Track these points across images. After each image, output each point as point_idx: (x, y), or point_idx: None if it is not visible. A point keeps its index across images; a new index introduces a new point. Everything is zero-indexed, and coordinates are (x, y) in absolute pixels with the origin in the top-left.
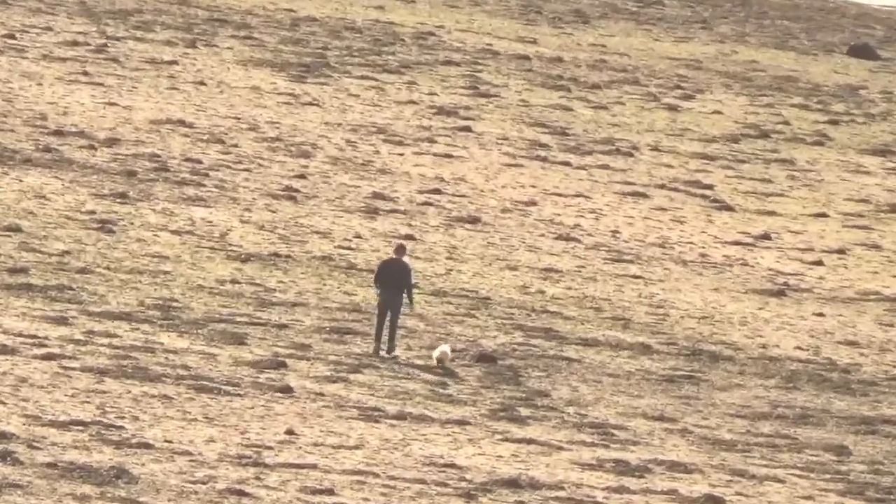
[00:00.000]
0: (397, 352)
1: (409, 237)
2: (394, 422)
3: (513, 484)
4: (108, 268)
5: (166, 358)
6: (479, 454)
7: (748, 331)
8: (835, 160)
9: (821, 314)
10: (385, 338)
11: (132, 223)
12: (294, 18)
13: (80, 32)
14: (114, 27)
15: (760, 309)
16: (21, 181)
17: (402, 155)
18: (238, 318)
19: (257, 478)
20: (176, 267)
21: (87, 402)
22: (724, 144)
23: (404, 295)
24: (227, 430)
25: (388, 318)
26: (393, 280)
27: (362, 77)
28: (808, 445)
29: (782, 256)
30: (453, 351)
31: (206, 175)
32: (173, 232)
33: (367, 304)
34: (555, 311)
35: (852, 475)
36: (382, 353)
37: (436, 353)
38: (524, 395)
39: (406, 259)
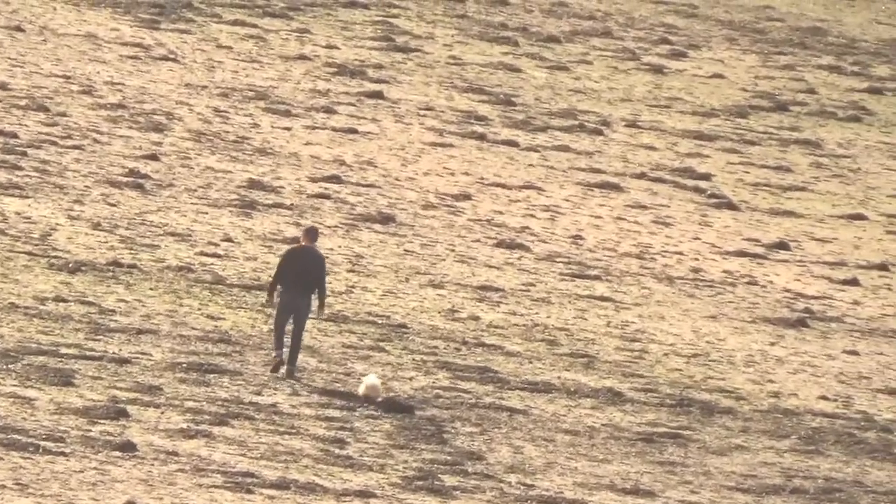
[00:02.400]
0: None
1: (297, 241)
2: (272, 492)
3: None
4: None
5: None
6: None
7: (755, 374)
8: (876, 142)
9: (854, 352)
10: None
11: None
12: None
13: None
14: None
15: (772, 344)
16: None
17: (288, 129)
18: (63, 350)
19: None
20: None
21: None
22: (725, 119)
23: (314, 297)
24: (45, 502)
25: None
26: (301, 276)
27: (236, 23)
28: None
29: (803, 273)
30: (352, 396)
31: (23, 154)
32: None
33: (238, 332)
34: (493, 343)
35: None
36: (283, 371)
37: (362, 387)
38: (450, 458)
39: (318, 248)
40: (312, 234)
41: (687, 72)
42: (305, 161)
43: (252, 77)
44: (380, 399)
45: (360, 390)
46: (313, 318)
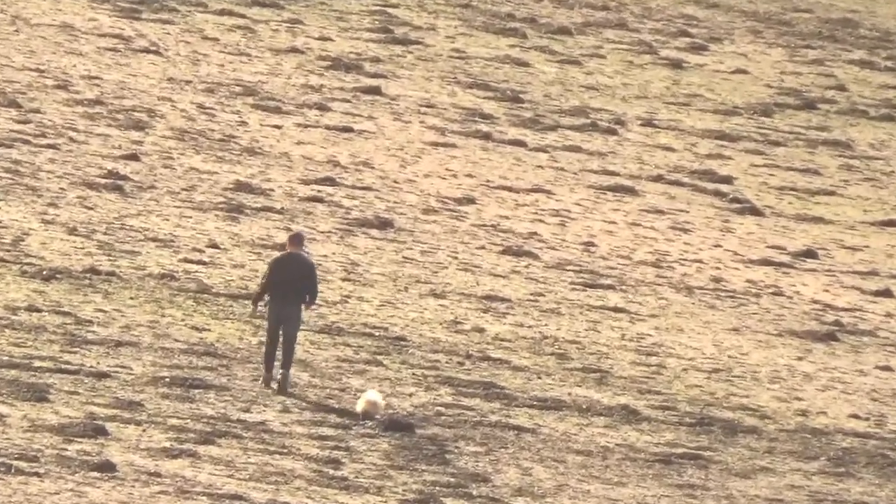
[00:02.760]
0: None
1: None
2: None
3: None
4: None
5: None
6: None
7: (781, 391)
8: None
9: (887, 368)
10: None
11: None
12: None
13: None
14: None
15: (800, 359)
16: None
17: (279, 128)
18: (37, 363)
19: None
20: None
21: None
22: (749, 118)
23: (303, 305)
24: None
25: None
26: (290, 284)
27: (222, 13)
28: None
29: (832, 283)
30: (348, 415)
31: None
32: None
33: (225, 344)
34: (499, 357)
35: None
36: (275, 385)
37: (361, 402)
38: (453, 480)
39: (307, 254)
40: (298, 239)
41: (707, 67)
42: (297, 162)
43: (240, 71)
44: (379, 416)
45: (359, 406)
46: (305, 329)
